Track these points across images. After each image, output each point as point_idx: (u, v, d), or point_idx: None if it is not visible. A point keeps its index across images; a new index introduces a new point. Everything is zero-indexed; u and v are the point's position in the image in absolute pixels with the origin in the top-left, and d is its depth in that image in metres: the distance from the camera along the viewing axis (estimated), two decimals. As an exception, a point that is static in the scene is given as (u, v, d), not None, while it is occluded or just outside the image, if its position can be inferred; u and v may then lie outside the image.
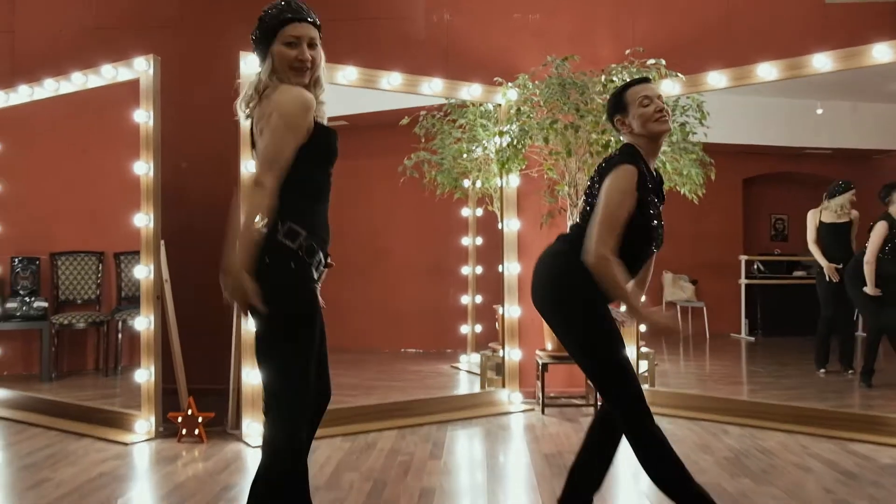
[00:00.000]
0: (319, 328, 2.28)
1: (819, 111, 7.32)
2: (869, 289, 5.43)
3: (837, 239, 5.95)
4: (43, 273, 6.05)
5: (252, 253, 2.10)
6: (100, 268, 6.22)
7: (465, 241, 6.02)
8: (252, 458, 3.89)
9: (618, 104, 2.79)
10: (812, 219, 6.05)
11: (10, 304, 5.78)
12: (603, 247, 2.50)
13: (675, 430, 4.44)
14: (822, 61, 4.47)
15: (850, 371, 5.92)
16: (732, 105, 6.25)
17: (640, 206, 2.59)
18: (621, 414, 2.53)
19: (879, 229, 5.47)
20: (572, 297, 2.60)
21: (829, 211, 5.95)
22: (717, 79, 4.89)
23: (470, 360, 6.08)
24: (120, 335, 5.91)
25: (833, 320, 5.96)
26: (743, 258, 8.64)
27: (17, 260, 5.91)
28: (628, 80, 4.77)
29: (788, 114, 7.31)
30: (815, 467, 3.69)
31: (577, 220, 2.75)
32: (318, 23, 2.37)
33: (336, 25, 5.57)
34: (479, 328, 6.08)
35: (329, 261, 2.35)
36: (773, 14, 5.56)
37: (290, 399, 2.15)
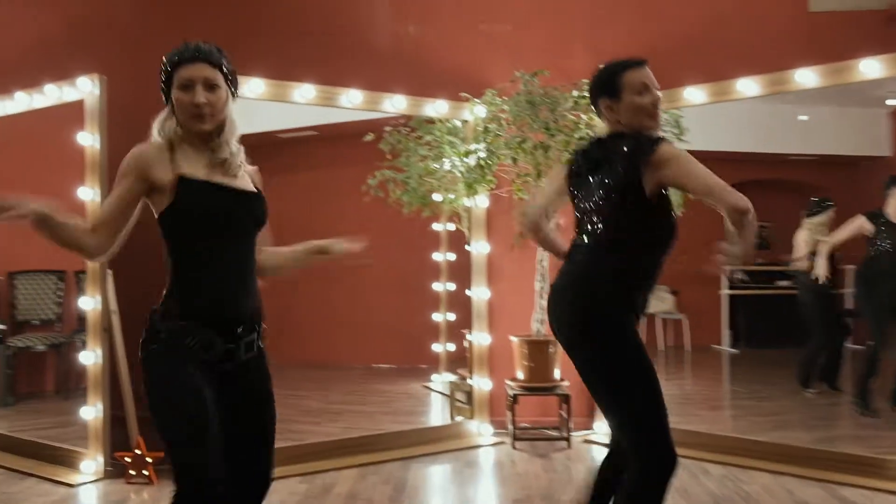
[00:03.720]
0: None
1: (802, 118, 7.21)
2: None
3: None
4: (0, 294, 5.86)
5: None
6: (60, 287, 6.04)
7: (437, 256, 5.82)
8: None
9: (609, 86, 2.45)
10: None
11: (-36, 328, 5.59)
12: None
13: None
14: (805, 76, 4.27)
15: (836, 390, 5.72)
16: (713, 112, 6.14)
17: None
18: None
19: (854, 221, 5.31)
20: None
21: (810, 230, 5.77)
22: (694, 94, 4.72)
23: (442, 380, 5.91)
24: (81, 357, 5.76)
25: (822, 338, 5.76)
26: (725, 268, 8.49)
27: (-30, 280, 5.71)
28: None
29: (771, 120, 7.20)
30: None
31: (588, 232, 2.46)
32: (221, 62, 2.15)
33: (298, 40, 5.38)
34: (451, 346, 5.90)
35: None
36: (756, 24, 5.31)
37: None
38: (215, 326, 2.03)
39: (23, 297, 5.92)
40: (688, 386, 7.26)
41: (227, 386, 2.06)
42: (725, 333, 8.24)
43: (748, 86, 4.50)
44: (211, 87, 2.09)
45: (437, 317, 5.80)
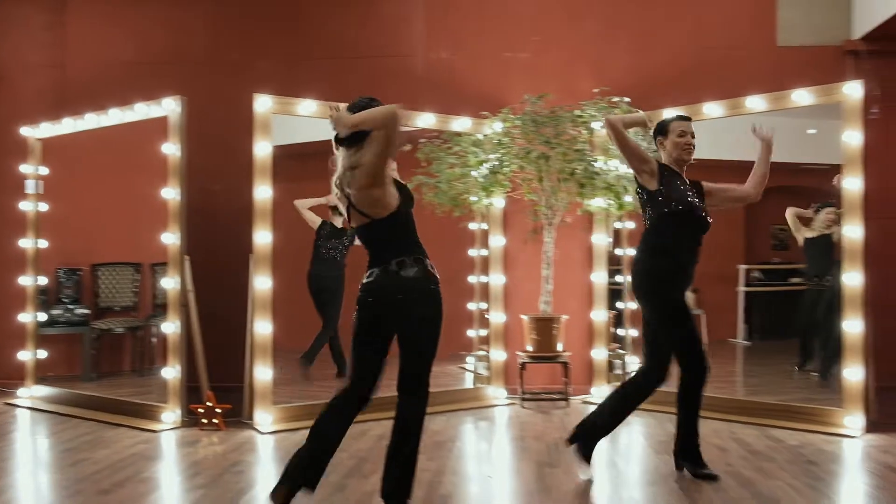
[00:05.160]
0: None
1: (811, 131, 7.80)
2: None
3: (820, 252, 6.46)
4: (85, 283, 6.74)
5: None
6: (136, 278, 6.92)
7: (472, 252, 6.38)
8: (262, 443, 4.57)
9: (662, 129, 3.79)
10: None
11: (55, 311, 6.46)
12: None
13: (633, 420, 5.03)
14: (754, 102, 5.23)
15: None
16: (733, 124, 6.80)
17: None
18: None
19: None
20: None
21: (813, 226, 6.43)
22: (671, 115, 5.47)
23: (477, 363, 6.49)
24: (154, 339, 6.58)
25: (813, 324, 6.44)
26: (742, 267, 9.07)
27: (61, 271, 6.59)
28: (596, 114, 5.43)
29: (787, 133, 7.80)
30: (730, 447, 4.39)
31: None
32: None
33: (346, 63, 6.28)
34: (483, 332, 6.48)
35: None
36: (732, 56, 6.17)
37: None
38: None
39: (104, 286, 6.79)
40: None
41: None
42: (741, 327, 8.85)
43: (712, 109, 5.42)
44: None
45: (471, 306, 6.43)
